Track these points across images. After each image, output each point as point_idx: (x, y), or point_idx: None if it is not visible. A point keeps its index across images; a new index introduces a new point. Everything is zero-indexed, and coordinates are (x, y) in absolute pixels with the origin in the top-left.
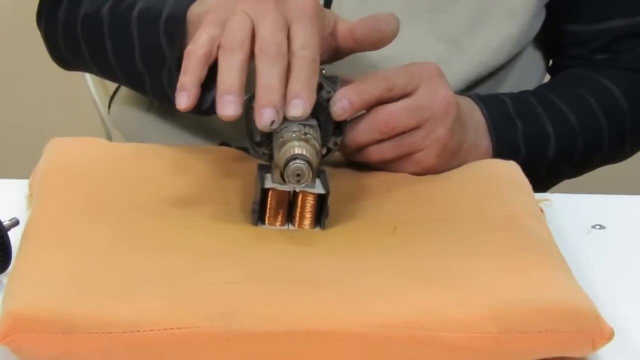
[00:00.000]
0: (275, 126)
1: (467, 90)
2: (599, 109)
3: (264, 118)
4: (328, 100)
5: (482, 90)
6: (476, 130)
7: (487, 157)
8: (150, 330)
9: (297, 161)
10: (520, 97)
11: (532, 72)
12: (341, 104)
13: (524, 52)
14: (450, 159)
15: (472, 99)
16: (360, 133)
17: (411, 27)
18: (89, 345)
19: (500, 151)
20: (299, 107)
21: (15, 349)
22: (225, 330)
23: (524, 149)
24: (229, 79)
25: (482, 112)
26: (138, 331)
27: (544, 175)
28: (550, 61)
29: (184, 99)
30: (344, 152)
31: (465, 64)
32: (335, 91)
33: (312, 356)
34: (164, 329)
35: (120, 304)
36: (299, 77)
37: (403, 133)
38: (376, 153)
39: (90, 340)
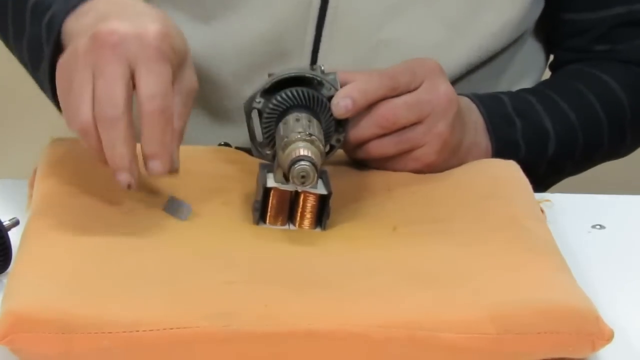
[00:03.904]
0: (133, 188)
1: (468, 75)
2: (598, 104)
3: (121, 183)
4: (329, 98)
5: (482, 76)
6: (475, 129)
7: (487, 157)
8: (150, 330)
9: (302, 163)
10: (518, 96)
11: (532, 65)
12: (344, 102)
13: (525, 44)
14: (450, 157)
15: (470, 98)
16: (361, 128)
17: (411, 11)
18: (89, 345)
19: (500, 150)
20: (158, 167)
21: (14, 349)
22: (224, 330)
23: (523, 147)
24: (115, 155)
25: (480, 111)
26: (138, 331)
27: (544, 174)
28: (551, 57)
29: (124, 177)
30: (345, 148)
31: (466, 48)
32: (335, 89)
33: (311, 356)
34: (164, 329)
35: (120, 303)
36: (150, 138)
37: (404, 128)
38: (377, 148)
39: (89, 340)
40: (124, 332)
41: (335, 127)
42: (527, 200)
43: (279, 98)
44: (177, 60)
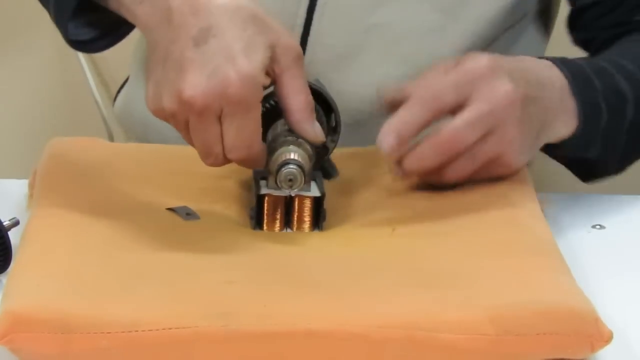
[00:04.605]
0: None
1: None
2: None
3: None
4: (321, 105)
5: None
6: (561, 91)
7: (574, 120)
8: (149, 330)
9: (290, 166)
10: (592, 60)
11: (532, 54)
12: (388, 140)
13: (522, 34)
14: (534, 142)
15: (551, 61)
16: (426, 159)
17: None
18: (88, 345)
19: (585, 113)
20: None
21: (14, 349)
22: (224, 330)
23: (605, 109)
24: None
25: (564, 73)
26: (137, 331)
27: (625, 145)
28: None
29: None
30: (408, 175)
31: (459, 33)
32: (331, 100)
33: (310, 356)
34: (163, 329)
35: (119, 304)
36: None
37: (474, 144)
38: (454, 173)
39: (88, 340)
40: (123, 332)
41: (327, 131)
42: (528, 200)
43: (267, 105)
44: (268, 66)
